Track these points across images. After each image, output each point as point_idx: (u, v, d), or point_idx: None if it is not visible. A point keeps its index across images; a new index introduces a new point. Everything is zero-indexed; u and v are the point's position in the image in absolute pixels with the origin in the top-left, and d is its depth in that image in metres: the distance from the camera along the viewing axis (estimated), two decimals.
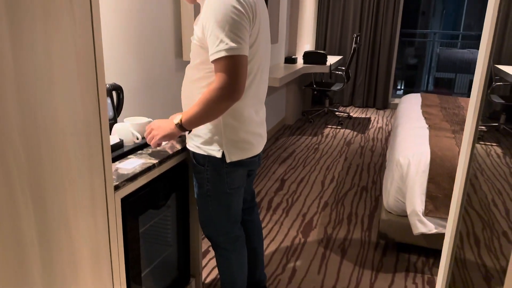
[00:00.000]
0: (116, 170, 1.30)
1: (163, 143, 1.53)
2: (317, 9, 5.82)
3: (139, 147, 1.50)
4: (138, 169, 1.31)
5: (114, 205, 1.14)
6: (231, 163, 1.44)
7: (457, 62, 7.42)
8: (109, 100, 1.54)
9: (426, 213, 2.07)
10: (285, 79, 3.97)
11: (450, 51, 7.83)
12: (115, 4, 1.87)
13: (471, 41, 7.75)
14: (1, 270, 0.82)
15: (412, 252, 2.34)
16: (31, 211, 0.86)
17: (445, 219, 2.05)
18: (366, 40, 5.75)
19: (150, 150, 1.50)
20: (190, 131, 1.44)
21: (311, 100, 5.96)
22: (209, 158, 1.43)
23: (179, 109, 2.46)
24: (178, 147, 1.55)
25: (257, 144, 1.50)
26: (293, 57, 4.78)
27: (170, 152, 1.49)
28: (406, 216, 2.21)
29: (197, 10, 2.33)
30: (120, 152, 1.40)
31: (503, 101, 4.33)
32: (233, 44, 1.21)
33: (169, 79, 2.38)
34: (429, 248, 2.36)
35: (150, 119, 1.57)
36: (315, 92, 5.83)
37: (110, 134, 1.46)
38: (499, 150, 4.22)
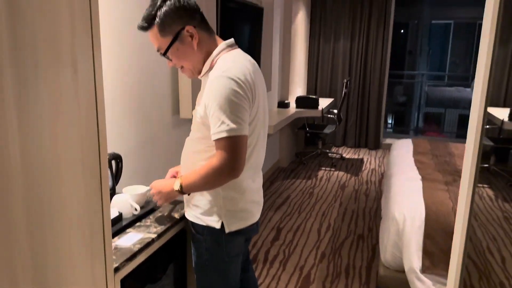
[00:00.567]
0: (116, 248, 1.30)
1: None
2: (307, 54, 5.99)
3: (138, 218, 1.50)
4: (137, 246, 1.31)
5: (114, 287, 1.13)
6: (230, 232, 1.44)
7: (446, 100, 7.61)
8: (108, 171, 1.56)
9: (424, 270, 2.07)
10: (279, 125, 4.03)
11: (438, 89, 8.06)
12: (113, 66, 1.93)
13: (457, 82, 7.99)
14: None
15: None
16: None
17: (443, 275, 2.05)
18: (356, 82, 5.90)
19: (148, 221, 1.51)
20: (188, 194, 1.46)
21: (304, 141, 6.04)
22: (208, 228, 1.44)
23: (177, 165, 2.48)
24: (177, 216, 1.56)
25: (256, 211, 1.52)
26: (286, 101, 4.88)
27: (168, 224, 1.50)
28: (404, 271, 2.21)
29: None
30: (119, 226, 1.41)
31: (492, 143, 4.43)
32: (233, 125, 1.25)
33: (166, 137, 2.42)
34: None
35: (148, 188, 1.59)
36: (308, 135, 5.91)
37: None
38: (490, 192, 4.28)
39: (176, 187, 1.37)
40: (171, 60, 1.40)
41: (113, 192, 1.58)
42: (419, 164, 2.96)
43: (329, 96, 6.02)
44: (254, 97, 1.34)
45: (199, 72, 1.42)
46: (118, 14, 1.93)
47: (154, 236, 1.40)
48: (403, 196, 2.41)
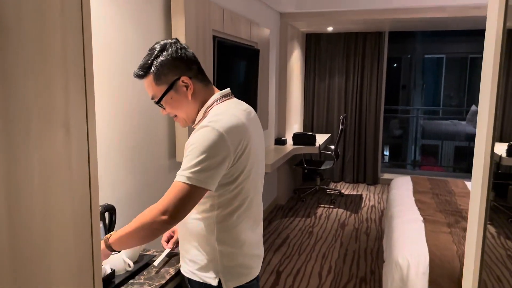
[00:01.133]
0: None
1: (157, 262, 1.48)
2: (303, 91, 6.06)
3: (132, 274, 1.44)
4: None
5: None
6: None
7: (442, 132, 7.65)
8: (101, 225, 1.50)
9: None
10: (276, 163, 4.00)
11: (433, 122, 8.12)
12: (108, 113, 1.91)
13: (452, 115, 8.08)
14: None
15: None
16: None
17: None
18: (352, 117, 5.93)
19: (142, 278, 1.44)
20: (118, 252, 1.38)
21: (301, 177, 5.99)
22: (205, 285, 1.37)
23: None
24: (172, 272, 1.50)
25: (256, 266, 1.45)
26: (283, 138, 4.88)
27: (163, 281, 1.43)
28: None
29: None
30: (112, 286, 1.34)
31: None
32: (196, 175, 1.21)
33: (162, 181, 2.37)
34: None
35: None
36: (306, 171, 5.87)
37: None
38: (492, 229, 4.19)
39: (104, 236, 1.31)
40: (164, 108, 1.39)
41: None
42: (420, 204, 2.91)
43: (326, 132, 6.03)
44: (243, 149, 1.30)
45: (193, 121, 1.41)
46: (113, 59, 1.94)
47: None
48: (406, 239, 2.34)
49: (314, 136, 4.86)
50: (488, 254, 3.87)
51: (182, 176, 1.21)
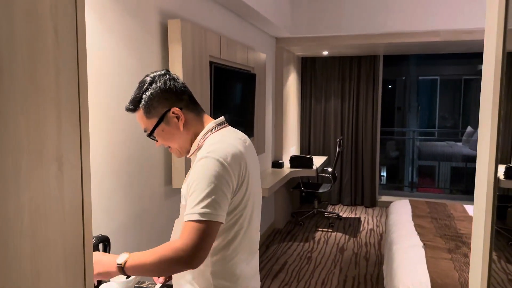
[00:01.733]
0: None
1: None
2: (299, 114, 6.08)
3: None
4: None
5: None
6: None
7: (438, 154, 7.67)
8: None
9: None
10: (274, 187, 3.97)
11: (429, 143, 8.14)
12: (103, 143, 1.89)
13: (447, 137, 8.13)
14: None
15: None
16: None
17: None
18: (349, 140, 5.94)
19: None
20: (129, 276, 1.33)
21: (299, 200, 5.94)
22: None
23: (167, 241, 2.37)
24: None
25: None
26: (280, 161, 4.85)
27: None
28: None
29: None
30: None
31: None
32: (207, 210, 1.18)
33: (157, 208, 2.33)
34: None
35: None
36: (303, 194, 5.83)
37: None
38: (493, 254, 4.15)
39: (120, 261, 1.22)
40: (157, 140, 1.38)
41: (99, 280, 1.47)
42: (419, 229, 2.87)
43: (323, 154, 6.02)
44: (243, 177, 1.28)
45: (187, 152, 1.39)
46: (110, 88, 1.93)
47: None
48: (407, 267, 2.30)
49: (312, 159, 4.85)
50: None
51: (194, 215, 1.17)
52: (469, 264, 2.28)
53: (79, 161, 0.94)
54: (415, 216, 3.23)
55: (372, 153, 5.88)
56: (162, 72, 1.35)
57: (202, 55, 2.57)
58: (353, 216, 5.47)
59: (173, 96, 1.32)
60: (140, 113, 1.33)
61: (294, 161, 4.87)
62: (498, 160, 0.95)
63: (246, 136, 1.43)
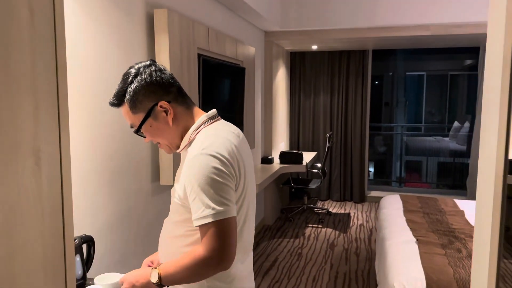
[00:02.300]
0: None
1: None
2: (289, 110, 6.03)
3: None
4: None
5: None
6: None
7: (425, 149, 7.71)
8: (78, 258, 1.38)
9: None
10: (264, 183, 3.91)
11: (417, 138, 8.19)
12: (86, 137, 1.80)
13: (434, 132, 8.19)
14: None
15: None
16: None
17: None
18: (338, 135, 5.92)
19: None
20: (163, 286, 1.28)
21: (288, 196, 5.90)
22: None
23: (154, 240, 2.29)
24: None
25: None
26: (269, 157, 4.80)
27: None
28: None
29: None
30: None
31: None
32: (219, 208, 1.11)
33: (144, 206, 2.25)
34: None
35: (121, 275, 1.40)
36: (293, 190, 5.79)
37: None
38: None
39: (154, 279, 1.18)
40: (145, 137, 1.29)
41: (83, 283, 1.39)
42: (411, 224, 2.85)
43: (312, 150, 5.98)
44: (240, 172, 1.22)
45: (178, 147, 1.30)
46: (92, 79, 1.84)
47: None
48: (400, 263, 2.26)
49: (301, 155, 4.80)
50: None
51: (206, 218, 1.10)
52: (463, 259, 2.25)
53: (58, 155, 0.86)
54: (406, 211, 3.21)
55: (361, 148, 5.87)
56: (148, 63, 1.26)
57: (190, 47, 2.48)
58: (342, 211, 5.45)
59: (160, 89, 1.23)
60: (125, 108, 1.24)
61: (283, 156, 4.82)
62: (508, 152, 0.89)
63: (239, 130, 1.36)
